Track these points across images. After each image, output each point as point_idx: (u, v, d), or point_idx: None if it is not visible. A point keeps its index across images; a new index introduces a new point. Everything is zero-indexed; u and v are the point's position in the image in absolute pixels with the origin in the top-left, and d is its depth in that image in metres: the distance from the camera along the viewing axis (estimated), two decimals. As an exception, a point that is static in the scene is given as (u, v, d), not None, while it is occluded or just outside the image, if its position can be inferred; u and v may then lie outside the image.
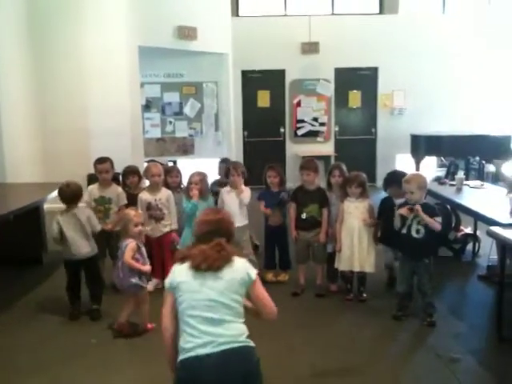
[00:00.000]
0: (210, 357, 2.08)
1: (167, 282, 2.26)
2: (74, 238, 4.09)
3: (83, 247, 4.14)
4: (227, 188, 4.84)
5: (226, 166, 5.19)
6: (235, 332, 2.15)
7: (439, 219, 3.90)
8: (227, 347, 2.10)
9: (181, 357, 2.14)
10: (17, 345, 3.76)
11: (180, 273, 2.22)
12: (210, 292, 2.16)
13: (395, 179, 4.44)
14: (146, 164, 6.12)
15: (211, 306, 2.15)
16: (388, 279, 4.75)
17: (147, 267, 3.83)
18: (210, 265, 2.18)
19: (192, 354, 2.10)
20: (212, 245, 2.23)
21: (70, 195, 4.10)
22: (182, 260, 2.25)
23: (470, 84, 9.99)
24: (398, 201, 4.29)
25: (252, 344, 2.20)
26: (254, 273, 2.25)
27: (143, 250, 3.90)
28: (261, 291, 2.27)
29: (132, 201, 4.76)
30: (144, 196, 4.73)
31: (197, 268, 2.18)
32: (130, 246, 3.76)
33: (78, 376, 3.33)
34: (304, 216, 4.60)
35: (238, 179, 4.78)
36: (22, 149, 6.51)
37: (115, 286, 4.79)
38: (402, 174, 4.46)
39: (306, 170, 4.65)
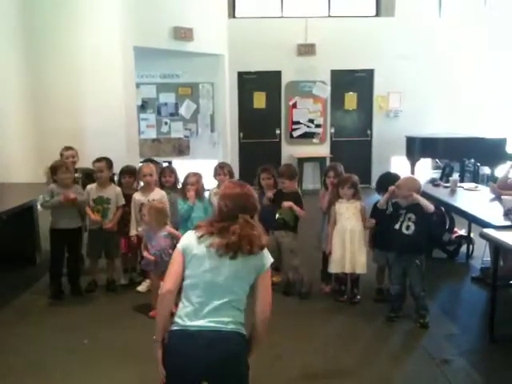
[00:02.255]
0: (202, 335, 2.05)
1: (182, 244, 2.16)
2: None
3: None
4: (214, 189, 4.84)
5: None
6: (231, 319, 2.10)
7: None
8: (220, 330, 2.07)
9: (174, 327, 2.12)
10: (9, 345, 3.75)
11: (196, 245, 2.13)
12: (219, 275, 2.10)
13: (387, 182, 4.45)
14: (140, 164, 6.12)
15: (217, 290, 2.09)
16: (377, 294, 4.61)
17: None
18: (248, 249, 2.07)
19: (185, 328, 2.08)
20: (242, 223, 2.11)
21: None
22: (203, 233, 2.13)
23: (465, 87, 10.01)
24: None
25: (244, 332, 2.14)
26: (269, 261, 2.18)
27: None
28: (269, 280, 2.19)
29: (127, 201, 4.77)
30: (137, 196, 4.72)
31: (231, 250, 2.07)
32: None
33: (69, 377, 3.32)
34: (277, 216, 4.60)
35: (224, 179, 4.80)
36: (16, 148, 6.50)
37: (109, 285, 4.83)
38: (394, 176, 4.49)
39: (281, 177, 4.70)
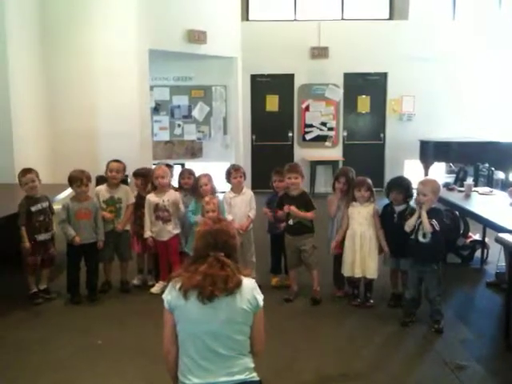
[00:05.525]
0: None
1: (166, 301, 2.04)
2: None
3: None
4: (230, 193, 4.85)
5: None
6: (238, 369, 2.00)
7: (436, 224, 3.84)
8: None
9: None
10: (24, 344, 3.77)
11: (179, 297, 2.00)
12: (211, 323, 1.97)
13: (396, 185, 4.42)
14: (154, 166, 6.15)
15: (214, 340, 1.97)
16: (391, 299, 4.55)
17: None
18: (222, 289, 1.95)
19: None
20: (211, 262, 2.00)
21: None
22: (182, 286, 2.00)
23: (479, 90, 9.94)
24: (399, 207, 4.33)
25: (256, 378, 2.06)
26: (261, 298, 2.06)
27: None
28: (262, 320, 2.08)
29: (142, 202, 4.80)
30: (151, 198, 4.74)
31: (208, 298, 1.95)
32: None
33: (83, 377, 3.34)
34: (291, 222, 4.52)
35: (241, 181, 4.82)
36: (32, 150, 6.56)
37: (123, 286, 4.85)
38: (404, 180, 4.47)
39: (294, 173, 4.52)
